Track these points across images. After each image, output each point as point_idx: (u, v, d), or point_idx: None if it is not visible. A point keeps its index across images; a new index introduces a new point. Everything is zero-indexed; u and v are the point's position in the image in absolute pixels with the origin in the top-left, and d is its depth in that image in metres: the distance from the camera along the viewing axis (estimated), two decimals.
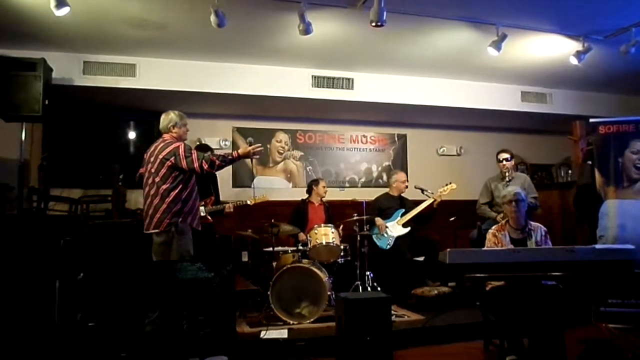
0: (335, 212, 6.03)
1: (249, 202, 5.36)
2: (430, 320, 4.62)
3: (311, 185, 6.08)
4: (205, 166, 3.86)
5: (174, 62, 5.67)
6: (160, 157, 3.92)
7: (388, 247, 5.75)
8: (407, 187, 6.03)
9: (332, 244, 5.14)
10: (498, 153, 5.45)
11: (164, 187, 3.91)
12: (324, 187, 6.03)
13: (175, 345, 3.57)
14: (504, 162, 5.34)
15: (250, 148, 4.02)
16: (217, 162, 3.92)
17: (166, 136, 4.06)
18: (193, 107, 6.26)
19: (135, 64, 5.54)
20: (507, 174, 5.33)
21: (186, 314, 3.66)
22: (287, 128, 7.20)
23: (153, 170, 3.95)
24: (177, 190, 3.91)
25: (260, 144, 4.11)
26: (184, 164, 3.88)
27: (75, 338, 3.57)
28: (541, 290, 3.41)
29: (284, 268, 4.77)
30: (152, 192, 3.94)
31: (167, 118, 4.11)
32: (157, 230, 3.88)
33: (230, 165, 4.88)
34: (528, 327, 3.39)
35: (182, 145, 3.95)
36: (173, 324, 3.63)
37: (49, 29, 4.74)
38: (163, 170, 3.90)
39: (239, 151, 4.02)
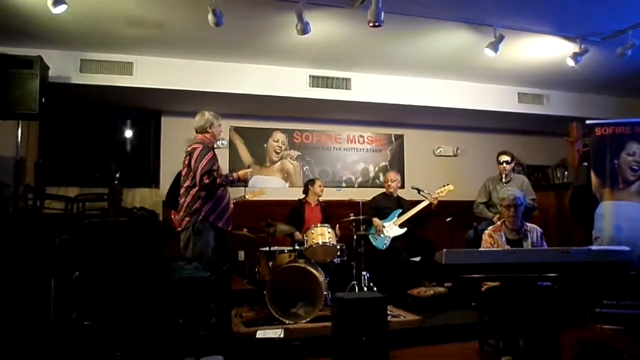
0: (332, 212, 6.03)
1: (247, 197, 5.38)
2: (426, 320, 4.63)
3: (307, 185, 6.08)
4: (206, 180, 3.89)
5: (171, 60, 5.66)
6: (184, 154, 4.07)
7: (384, 247, 5.75)
8: (389, 185, 6.03)
9: (328, 244, 5.14)
10: (499, 155, 5.45)
11: (185, 184, 4.03)
12: (320, 186, 6.03)
13: (171, 344, 3.57)
14: (504, 165, 5.35)
15: (248, 172, 4.22)
16: (218, 180, 3.96)
17: (199, 136, 4.14)
18: (190, 106, 6.25)
19: (132, 63, 5.53)
20: (505, 175, 5.34)
21: (182, 313, 3.66)
22: (284, 128, 7.20)
23: (182, 168, 4.11)
24: (196, 188, 3.97)
25: (252, 169, 4.47)
26: (193, 163, 3.97)
27: (71, 337, 3.56)
28: (536, 291, 3.42)
29: (280, 268, 4.77)
30: (181, 190, 4.09)
31: (204, 119, 4.16)
32: (179, 229, 4.03)
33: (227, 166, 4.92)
34: (523, 327, 3.40)
35: (201, 148, 4.00)
36: (169, 323, 3.63)
37: (46, 27, 4.72)
38: (185, 169, 4.04)
39: (239, 174, 4.15)
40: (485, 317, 3.91)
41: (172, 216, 5.32)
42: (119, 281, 3.77)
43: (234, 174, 4.12)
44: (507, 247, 3.79)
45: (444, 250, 3.23)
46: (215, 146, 4.29)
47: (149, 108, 6.54)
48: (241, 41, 5.22)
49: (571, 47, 5.24)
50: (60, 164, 6.13)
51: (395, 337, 4.08)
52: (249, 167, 4.38)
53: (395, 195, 6.08)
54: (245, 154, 7.02)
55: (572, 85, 6.78)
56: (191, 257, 3.90)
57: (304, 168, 7.25)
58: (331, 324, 3.93)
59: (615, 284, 4.72)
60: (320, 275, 4.75)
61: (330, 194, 6.83)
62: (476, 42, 5.08)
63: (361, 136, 7.56)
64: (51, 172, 5.95)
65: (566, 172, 7.80)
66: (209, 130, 4.14)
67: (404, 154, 7.70)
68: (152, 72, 5.59)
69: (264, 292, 4.65)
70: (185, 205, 4.01)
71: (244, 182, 4.22)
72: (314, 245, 5.12)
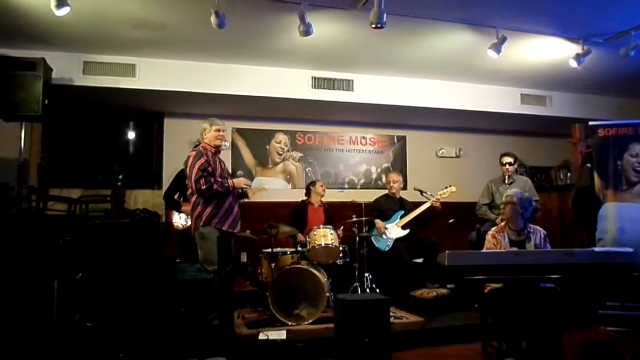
0: (334, 214, 6.03)
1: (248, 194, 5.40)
2: (429, 322, 4.63)
3: (309, 187, 6.09)
4: (203, 186, 3.97)
5: (173, 62, 5.67)
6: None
7: (387, 248, 5.75)
8: (392, 186, 6.04)
9: (330, 246, 5.14)
10: (501, 156, 5.44)
11: (188, 192, 4.16)
12: (321, 186, 6.03)
13: (174, 346, 3.57)
14: (507, 166, 5.34)
15: (242, 180, 4.31)
16: (215, 186, 4.00)
17: (201, 144, 4.24)
18: (193, 107, 6.27)
19: (135, 64, 5.54)
20: (508, 177, 5.33)
21: (185, 314, 3.66)
22: (286, 129, 7.21)
23: None
24: (195, 196, 4.07)
25: (250, 183, 4.49)
26: (187, 172, 4.08)
27: (74, 338, 3.57)
28: (539, 292, 3.41)
29: (283, 269, 4.77)
30: None
31: (200, 128, 4.28)
32: (192, 234, 4.14)
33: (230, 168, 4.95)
34: (526, 329, 3.39)
35: (193, 155, 4.09)
36: (171, 324, 3.63)
37: (49, 29, 4.74)
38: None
39: (234, 181, 4.20)
40: (488, 318, 3.90)
41: (171, 216, 5.34)
42: (122, 283, 3.77)
43: (230, 181, 4.15)
44: (513, 248, 3.78)
45: (447, 251, 3.22)
46: (220, 149, 4.32)
47: (152, 110, 6.55)
48: (244, 43, 5.23)
49: (574, 48, 5.23)
50: (63, 165, 6.15)
51: (397, 338, 4.07)
52: (240, 175, 4.38)
53: (398, 196, 6.08)
54: (247, 156, 7.03)
55: (575, 87, 6.77)
56: (201, 261, 3.97)
57: (307, 169, 7.25)
58: (334, 326, 3.93)
59: (618, 286, 4.70)
60: (322, 277, 4.75)
61: (333, 196, 6.83)
62: (479, 43, 5.07)
63: (363, 137, 7.56)
64: (54, 174, 5.96)
65: (569, 174, 7.78)
66: (204, 137, 4.23)
67: (406, 155, 7.70)
68: (154, 74, 5.60)
69: (267, 293, 4.65)
70: (190, 212, 4.17)
71: (239, 189, 4.26)
72: (317, 247, 5.12)
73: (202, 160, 4.04)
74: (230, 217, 4.11)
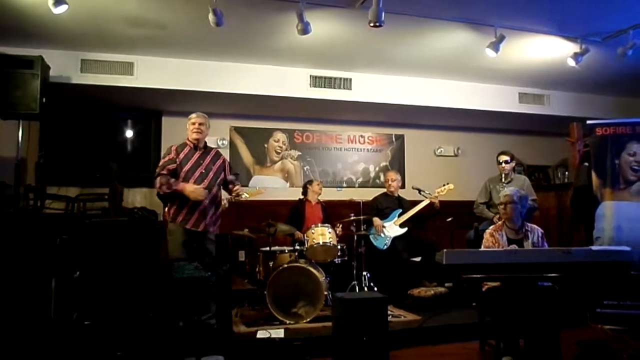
0: (332, 212, 6.02)
1: (243, 197, 5.37)
2: (427, 320, 4.63)
3: (306, 186, 6.09)
4: (156, 185, 3.97)
5: (172, 61, 5.66)
6: None
7: (385, 247, 5.75)
8: (390, 185, 6.04)
9: (329, 244, 5.14)
10: (498, 155, 5.45)
11: None
12: (318, 184, 6.03)
13: (172, 344, 3.57)
14: (504, 165, 5.35)
15: (193, 190, 3.94)
16: (164, 188, 3.93)
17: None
18: (191, 106, 6.22)
19: (133, 63, 5.53)
20: (505, 175, 5.33)
21: (182, 313, 3.66)
22: (284, 128, 7.20)
23: None
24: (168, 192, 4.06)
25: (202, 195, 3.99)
26: None
27: (71, 337, 3.56)
28: (537, 291, 3.42)
29: (281, 268, 4.77)
30: None
31: None
32: None
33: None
34: (524, 328, 3.40)
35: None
36: (169, 323, 3.63)
37: (47, 27, 4.72)
38: None
39: (186, 187, 3.95)
40: (485, 317, 3.91)
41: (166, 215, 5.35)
42: (120, 281, 3.77)
43: (180, 185, 3.97)
44: (513, 246, 3.79)
45: (445, 250, 3.23)
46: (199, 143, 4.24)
47: (150, 108, 6.54)
48: (242, 41, 5.22)
49: (572, 47, 5.23)
50: (61, 164, 6.13)
51: (395, 337, 4.08)
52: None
53: (396, 195, 6.08)
54: (246, 154, 7.03)
55: (573, 86, 6.78)
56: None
57: (305, 168, 7.25)
58: (332, 324, 3.93)
59: (615, 284, 4.72)
60: (320, 275, 4.75)
61: (331, 194, 6.83)
62: (477, 42, 5.08)
63: (362, 136, 7.55)
64: (52, 172, 5.94)
65: (567, 172, 7.79)
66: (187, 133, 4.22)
67: (404, 154, 7.70)
68: (152, 72, 5.59)
69: (265, 292, 4.65)
70: None
71: (187, 196, 3.95)
72: (315, 245, 5.12)
73: (167, 158, 4.06)
74: (194, 216, 4.03)
